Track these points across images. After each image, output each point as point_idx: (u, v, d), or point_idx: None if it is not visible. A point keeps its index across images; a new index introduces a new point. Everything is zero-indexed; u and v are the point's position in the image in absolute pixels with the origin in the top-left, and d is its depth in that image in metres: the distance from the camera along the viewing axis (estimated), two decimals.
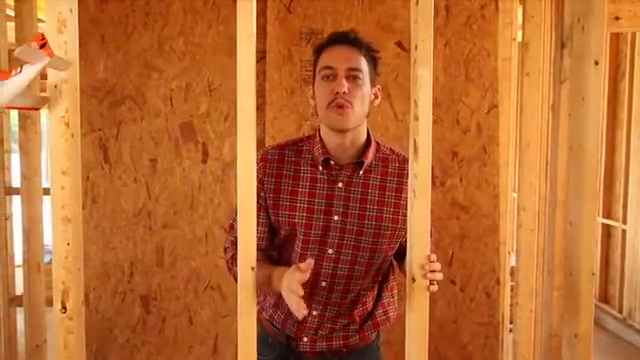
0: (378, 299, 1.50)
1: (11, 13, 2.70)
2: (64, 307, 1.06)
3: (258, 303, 1.52)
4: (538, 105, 2.00)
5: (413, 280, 1.10)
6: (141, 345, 2.39)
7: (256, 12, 1.07)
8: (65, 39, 1.03)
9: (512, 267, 2.54)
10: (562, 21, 1.78)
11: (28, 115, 2.39)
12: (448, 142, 2.35)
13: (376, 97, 1.40)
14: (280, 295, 1.41)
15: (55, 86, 1.05)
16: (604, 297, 4.15)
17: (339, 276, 1.40)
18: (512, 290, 2.34)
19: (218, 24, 2.35)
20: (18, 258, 2.53)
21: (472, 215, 2.37)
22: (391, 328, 2.45)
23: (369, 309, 1.48)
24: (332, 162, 1.38)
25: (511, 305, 2.45)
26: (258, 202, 1.39)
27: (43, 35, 0.96)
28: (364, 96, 1.34)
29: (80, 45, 1.11)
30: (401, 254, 1.50)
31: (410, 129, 1.10)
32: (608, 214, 4.09)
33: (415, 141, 1.07)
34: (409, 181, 1.12)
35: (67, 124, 1.05)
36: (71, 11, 1.05)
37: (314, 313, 1.42)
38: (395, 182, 1.41)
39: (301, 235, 1.38)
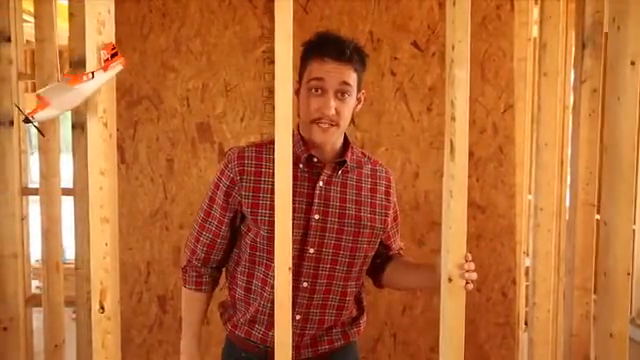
0: (360, 305, 1.50)
1: (26, 17, 2.71)
2: (102, 307, 1.06)
3: (229, 320, 1.48)
4: (555, 105, 2.00)
5: (449, 280, 1.10)
6: (158, 345, 2.39)
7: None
8: (104, 39, 1.03)
9: (526, 267, 2.55)
10: (583, 21, 1.78)
11: None
12: None
13: (359, 102, 1.39)
14: (258, 310, 1.39)
15: None
16: None
17: (320, 276, 1.38)
18: (526, 290, 2.35)
19: (234, 24, 2.35)
20: (33, 259, 2.53)
21: (488, 215, 2.37)
22: (407, 329, 2.47)
23: (353, 315, 1.48)
24: (315, 159, 1.38)
25: (526, 305, 2.45)
26: (227, 201, 1.37)
27: (114, 45, 0.98)
28: (350, 109, 1.35)
29: None
30: (378, 265, 1.51)
31: (446, 130, 1.10)
32: None
33: (452, 142, 1.08)
34: (444, 181, 1.13)
35: (105, 124, 1.05)
36: (109, 12, 1.05)
37: (297, 317, 1.38)
38: (370, 183, 1.43)
39: None
